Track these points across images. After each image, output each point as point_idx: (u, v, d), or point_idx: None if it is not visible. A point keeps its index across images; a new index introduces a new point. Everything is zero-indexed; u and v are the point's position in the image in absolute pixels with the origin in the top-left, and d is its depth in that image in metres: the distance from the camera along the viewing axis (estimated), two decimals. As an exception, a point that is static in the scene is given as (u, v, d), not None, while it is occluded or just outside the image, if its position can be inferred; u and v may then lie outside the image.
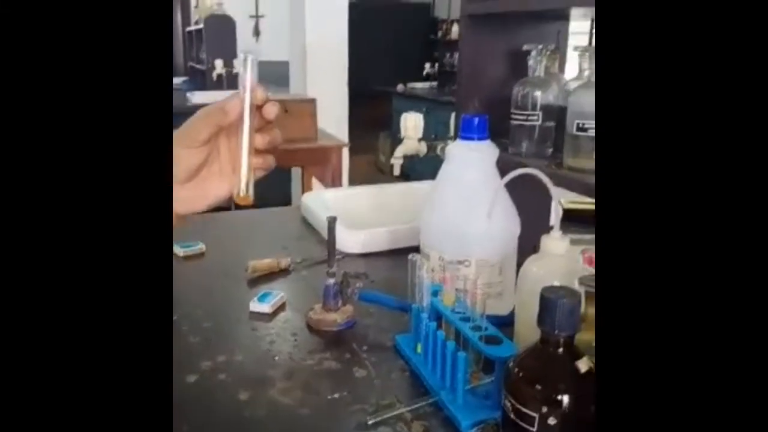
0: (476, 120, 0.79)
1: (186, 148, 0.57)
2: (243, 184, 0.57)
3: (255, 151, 0.58)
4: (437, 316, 0.69)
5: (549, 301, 0.47)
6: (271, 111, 0.58)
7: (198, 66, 4.82)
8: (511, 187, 0.76)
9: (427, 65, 5.92)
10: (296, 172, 3.20)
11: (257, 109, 0.57)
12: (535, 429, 0.46)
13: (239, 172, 0.57)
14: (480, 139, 0.80)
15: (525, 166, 0.71)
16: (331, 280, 0.82)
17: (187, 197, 0.58)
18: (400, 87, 5.51)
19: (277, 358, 0.74)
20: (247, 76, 0.57)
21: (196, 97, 3.74)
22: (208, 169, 0.60)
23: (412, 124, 1.10)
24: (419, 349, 0.71)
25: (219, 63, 4.20)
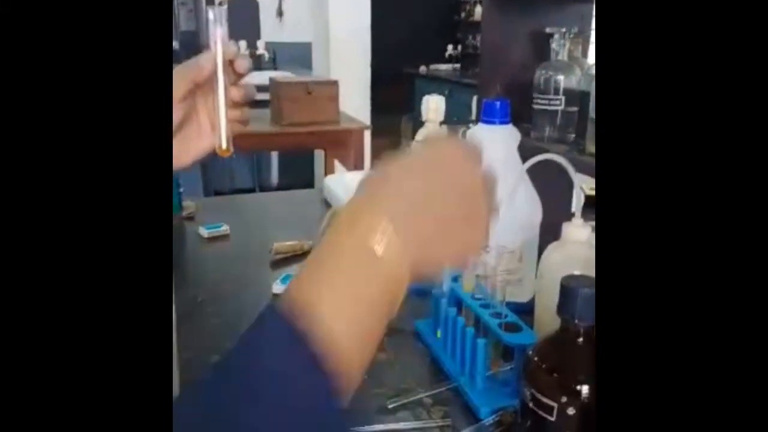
0: (498, 104, 0.79)
1: None
2: (223, 138, 0.60)
3: (232, 105, 0.60)
4: (457, 302, 0.69)
5: (569, 290, 0.47)
6: (243, 65, 0.60)
7: (221, 47, 4.83)
8: (532, 172, 0.76)
9: (450, 47, 5.84)
10: (319, 155, 3.21)
11: (230, 64, 0.59)
12: (553, 418, 0.46)
13: (218, 126, 0.59)
14: (502, 123, 0.80)
15: (547, 151, 0.70)
16: (352, 265, 0.82)
17: None
18: (422, 69, 5.46)
19: (298, 341, 0.75)
20: (218, 31, 0.59)
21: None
22: (188, 126, 0.62)
23: (434, 106, 1.09)
24: (439, 334, 0.71)
25: (243, 44, 4.20)
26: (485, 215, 0.41)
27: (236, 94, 0.60)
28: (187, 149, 0.62)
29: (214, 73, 0.58)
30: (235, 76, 0.60)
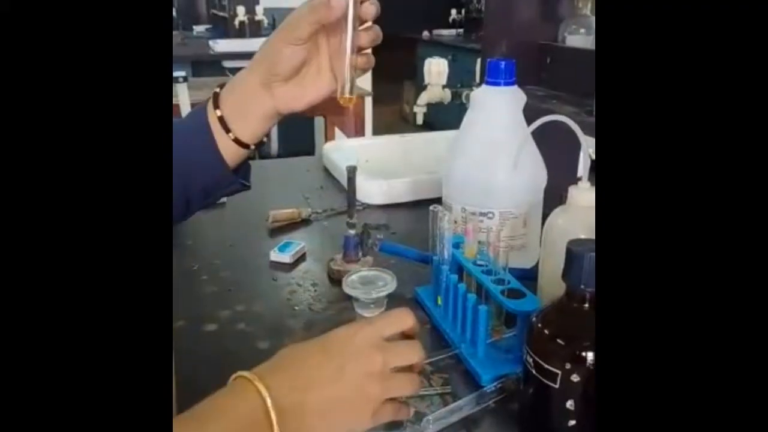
0: (503, 64, 0.76)
1: (289, 45, 0.55)
2: (347, 85, 0.56)
3: (357, 50, 0.56)
4: (458, 268, 0.68)
5: (575, 254, 0.45)
6: (370, 11, 0.56)
7: (220, 13, 4.75)
8: (538, 135, 0.73)
9: (453, 11, 5.74)
10: (319, 122, 3.17)
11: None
12: (557, 386, 0.45)
13: (342, 72, 0.55)
14: (507, 84, 0.77)
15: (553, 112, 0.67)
16: (352, 231, 0.80)
17: (287, 95, 0.58)
18: (425, 34, 5.37)
19: (297, 308, 0.74)
20: None
21: (220, 45, 3.69)
22: (308, 69, 0.59)
23: (436, 69, 1.06)
24: (440, 301, 0.70)
25: (241, 10, 4.13)
26: (373, 404, 0.46)
27: (365, 38, 0.56)
28: (304, 92, 0.59)
29: (343, 14, 0.53)
30: (359, 21, 0.56)
